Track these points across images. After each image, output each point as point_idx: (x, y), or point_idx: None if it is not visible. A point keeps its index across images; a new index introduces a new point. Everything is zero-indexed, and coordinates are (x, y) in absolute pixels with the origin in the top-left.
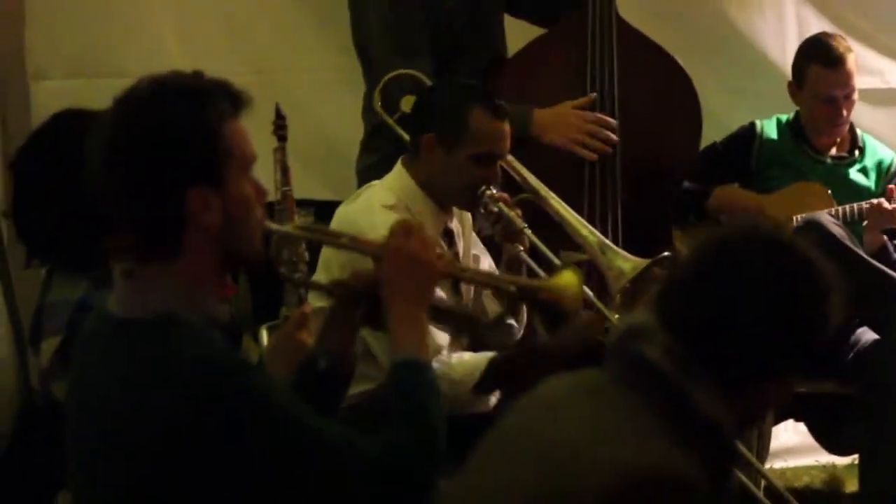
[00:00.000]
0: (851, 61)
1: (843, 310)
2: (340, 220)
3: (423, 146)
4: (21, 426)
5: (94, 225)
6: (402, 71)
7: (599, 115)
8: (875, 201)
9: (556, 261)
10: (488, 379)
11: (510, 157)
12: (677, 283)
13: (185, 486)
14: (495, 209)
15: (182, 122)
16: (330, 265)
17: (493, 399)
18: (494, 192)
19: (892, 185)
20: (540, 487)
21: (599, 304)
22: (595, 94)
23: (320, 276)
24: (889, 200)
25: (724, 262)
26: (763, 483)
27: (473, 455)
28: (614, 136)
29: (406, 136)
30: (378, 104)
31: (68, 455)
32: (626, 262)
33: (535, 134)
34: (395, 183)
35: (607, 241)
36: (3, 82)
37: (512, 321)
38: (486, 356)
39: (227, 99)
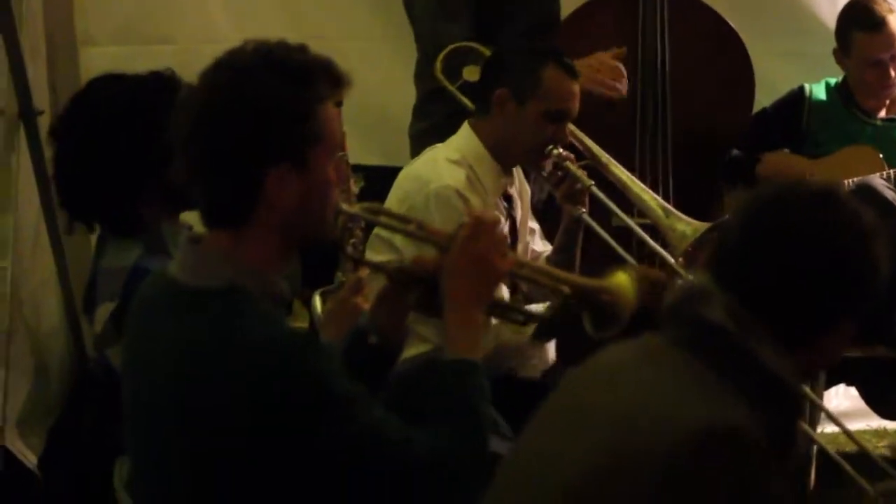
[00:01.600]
0: (894, 22)
1: (889, 255)
2: (404, 176)
3: (494, 101)
4: (76, 393)
5: (134, 189)
6: (465, 44)
7: (613, 62)
8: None
9: (626, 220)
10: (546, 325)
11: (571, 126)
12: (731, 243)
13: (238, 459)
14: (560, 170)
15: (279, 100)
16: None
17: (551, 353)
18: (562, 151)
19: None
20: (607, 452)
21: (674, 265)
22: (625, 48)
23: (375, 244)
24: None
25: (776, 218)
26: (815, 447)
27: (533, 421)
28: (625, 84)
29: (469, 103)
30: (440, 71)
31: (125, 420)
32: (688, 226)
33: None
34: (462, 143)
35: (669, 206)
36: (52, 49)
37: None
38: (544, 304)
39: (330, 79)
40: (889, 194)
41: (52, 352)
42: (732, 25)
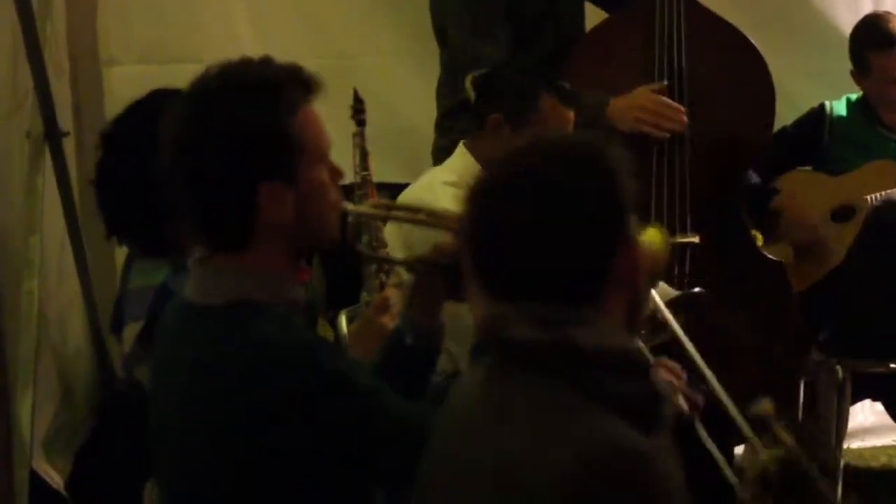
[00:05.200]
0: None
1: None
2: (402, 200)
3: (488, 125)
4: (104, 414)
5: (167, 208)
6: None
7: (669, 101)
8: None
9: None
10: None
11: None
12: (484, 255)
13: (271, 468)
14: None
15: (251, 119)
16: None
17: None
18: None
19: None
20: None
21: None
22: (667, 82)
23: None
24: None
25: (501, 209)
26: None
27: (423, 486)
28: (685, 118)
29: None
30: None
31: (152, 440)
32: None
33: (610, 121)
34: (458, 163)
35: None
36: (76, 69)
37: None
38: None
39: (298, 87)
40: None
41: (78, 373)
42: (753, 42)
